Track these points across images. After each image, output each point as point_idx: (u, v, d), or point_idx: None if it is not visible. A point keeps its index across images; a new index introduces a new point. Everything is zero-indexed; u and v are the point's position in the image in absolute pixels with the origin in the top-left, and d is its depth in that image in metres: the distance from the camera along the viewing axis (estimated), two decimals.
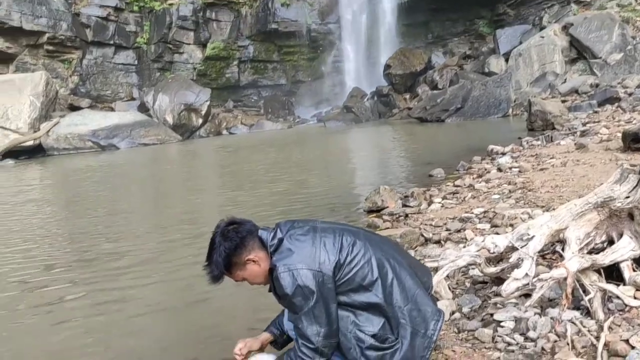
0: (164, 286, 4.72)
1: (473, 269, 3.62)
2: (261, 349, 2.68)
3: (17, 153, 18.60)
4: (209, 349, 3.40)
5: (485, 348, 2.75)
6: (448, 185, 7.01)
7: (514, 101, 18.21)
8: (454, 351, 2.75)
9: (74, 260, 5.76)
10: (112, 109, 23.24)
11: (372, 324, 2.40)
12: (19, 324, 4.14)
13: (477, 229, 4.80)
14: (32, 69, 22.17)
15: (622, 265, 2.94)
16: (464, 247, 4.21)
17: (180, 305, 4.28)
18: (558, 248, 3.22)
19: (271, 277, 2.47)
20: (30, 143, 19.00)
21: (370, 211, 6.44)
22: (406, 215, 5.87)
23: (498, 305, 3.11)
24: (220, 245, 2.45)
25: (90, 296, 4.58)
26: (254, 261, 2.47)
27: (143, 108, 22.47)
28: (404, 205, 6.31)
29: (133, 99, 24.72)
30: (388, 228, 5.48)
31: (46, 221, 8.20)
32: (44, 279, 5.15)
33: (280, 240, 2.47)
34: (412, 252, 4.54)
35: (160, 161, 16.53)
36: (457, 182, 7.04)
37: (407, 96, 23.31)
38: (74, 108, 22.01)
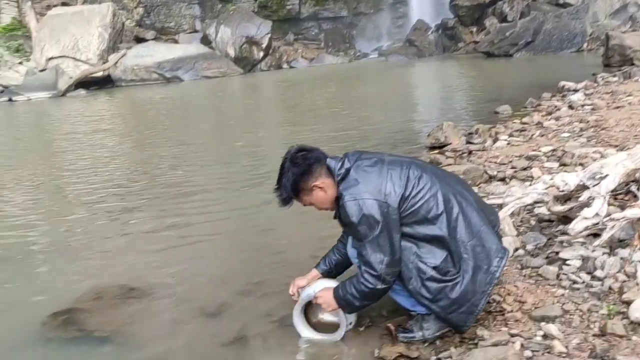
0: (230, 215, 4.90)
1: (539, 207, 3.56)
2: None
3: (87, 84, 19.24)
4: (273, 273, 3.55)
5: (549, 285, 2.74)
6: (515, 123, 6.79)
7: (590, 35, 17.14)
8: (516, 286, 2.75)
9: (143, 188, 6.04)
10: (176, 41, 23.44)
11: (435, 256, 2.42)
12: (92, 248, 4.41)
13: (544, 167, 4.68)
14: (99, 0, 22.52)
15: None
16: (530, 185, 4.13)
17: (246, 233, 4.46)
18: (633, 188, 3.11)
19: (337, 205, 2.52)
20: (100, 74, 19.57)
21: (432, 147, 6.36)
22: (470, 152, 5.77)
23: (564, 244, 3.06)
24: (288, 170, 2.52)
25: (160, 223, 4.82)
26: (320, 187, 2.53)
27: (205, 40, 22.54)
28: (468, 142, 6.19)
29: (196, 31, 24.77)
30: (450, 165, 5.40)
31: (116, 150, 8.58)
32: (115, 205, 5.45)
33: (348, 170, 2.50)
34: (475, 189, 4.49)
35: (222, 94, 16.74)
36: (525, 120, 6.81)
37: (474, 29, 22.27)
38: (139, 40, 22.35)
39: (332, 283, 2.66)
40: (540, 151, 5.15)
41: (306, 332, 2.74)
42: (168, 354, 2.80)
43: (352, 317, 2.68)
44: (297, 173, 2.51)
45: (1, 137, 11.54)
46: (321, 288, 2.63)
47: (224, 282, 3.52)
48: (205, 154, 7.89)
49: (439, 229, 2.43)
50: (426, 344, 2.52)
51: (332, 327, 2.72)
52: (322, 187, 2.53)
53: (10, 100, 17.43)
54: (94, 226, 4.91)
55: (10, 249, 4.53)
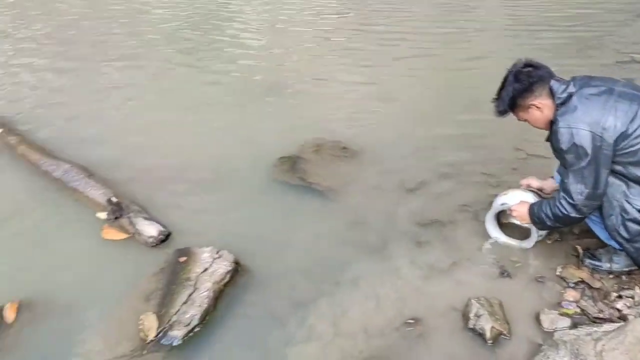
0: (441, 80, 4.96)
1: None
2: (540, 189, 2.86)
3: None
4: (473, 160, 3.72)
5: None
6: None
7: None
8: None
9: (360, 41, 6.20)
10: None
11: None
12: (313, 100, 4.84)
13: None
14: None
15: None
16: None
17: (452, 107, 4.52)
18: None
19: (551, 128, 2.52)
20: None
21: None
22: None
23: None
24: (510, 84, 2.53)
25: (370, 88, 5.05)
26: (537, 107, 2.52)
27: None
28: None
29: None
30: None
31: None
32: (332, 55, 5.81)
33: (570, 95, 2.43)
34: None
35: None
36: None
37: None
38: None
39: (529, 197, 2.75)
40: None
41: (497, 234, 2.94)
42: (369, 220, 3.22)
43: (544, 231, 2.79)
44: (517, 89, 2.52)
45: None
46: (518, 201, 2.75)
47: (426, 158, 3.78)
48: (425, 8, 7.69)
49: None
50: (611, 276, 2.58)
51: (521, 233, 2.88)
52: (540, 108, 2.51)
53: None
54: (316, 79, 5.30)
55: (239, 93, 5.05)
